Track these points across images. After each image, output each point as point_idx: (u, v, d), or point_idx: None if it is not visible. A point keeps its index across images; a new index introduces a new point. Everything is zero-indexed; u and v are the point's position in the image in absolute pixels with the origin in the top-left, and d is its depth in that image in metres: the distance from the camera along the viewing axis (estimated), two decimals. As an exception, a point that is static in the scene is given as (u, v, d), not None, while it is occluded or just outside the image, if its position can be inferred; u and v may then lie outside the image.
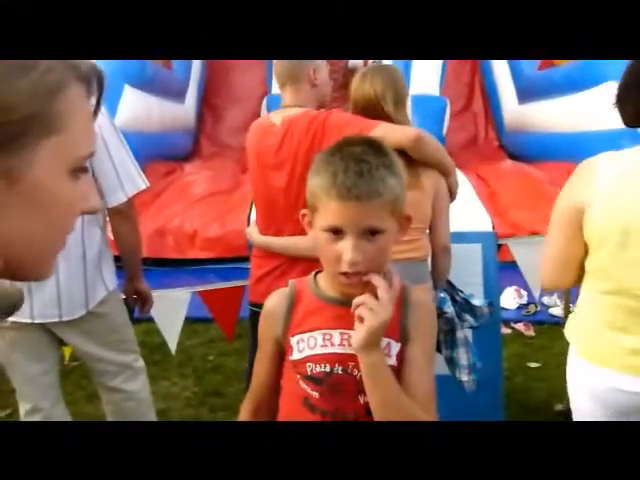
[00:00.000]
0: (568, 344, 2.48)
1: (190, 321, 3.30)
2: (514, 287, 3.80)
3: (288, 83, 1.85)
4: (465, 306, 1.97)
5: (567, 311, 2.67)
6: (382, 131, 1.73)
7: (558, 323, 3.28)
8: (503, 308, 3.70)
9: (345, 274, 0.94)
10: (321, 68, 1.86)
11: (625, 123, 1.35)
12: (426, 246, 1.88)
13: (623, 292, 1.30)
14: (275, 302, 1.09)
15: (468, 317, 1.94)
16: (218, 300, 2.41)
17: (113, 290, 1.89)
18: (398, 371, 1.00)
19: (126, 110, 5.38)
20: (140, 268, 2.00)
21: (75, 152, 0.53)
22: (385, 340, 0.99)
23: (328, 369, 1.01)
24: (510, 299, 3.82)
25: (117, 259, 1.96)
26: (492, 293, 2.53)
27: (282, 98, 1.89)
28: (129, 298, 1.97)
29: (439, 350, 1.89)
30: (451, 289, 1.98)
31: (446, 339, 1.91)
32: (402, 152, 1.73)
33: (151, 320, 2.48)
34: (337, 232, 0.94)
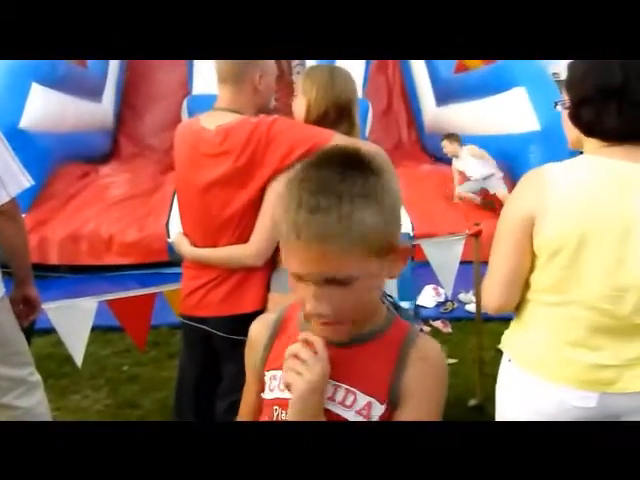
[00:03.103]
0: (481, 339, 2.51)
1: (103, 330, 3.17)
2: (432, 285, 3.89)
3: (228, 82, 1.68)
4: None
5: (479, 306, 2.77)
6: (339, 143, 1.61)
7: (473, 319, 3.39)
8: (422, 306, 3.79)
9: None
10: (267, 73, 1.71)
11: (583, 132, 1.31)
12: None
13: (578, 304, 1.26)
14: (257, 329, 0.94)
15: None
16: (128, 309, 2.31)
17: (1, 298, 1.77)
18: None
19: (35, 109, 5.10)
20: (29, 273, 1.89)
21: None
22: (366, 398, 0.82)
23: None
24: (429, 297, 3.91)
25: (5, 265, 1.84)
26: (407, 294, 2.58)
27: (218, 97, 1.72)
28: (15, 306, 1.85)
29: None
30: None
31: None
32: None
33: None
34: (300, 278, 0.79)
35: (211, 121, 1.70)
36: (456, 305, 3.89)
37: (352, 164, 0.77)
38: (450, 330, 3.66)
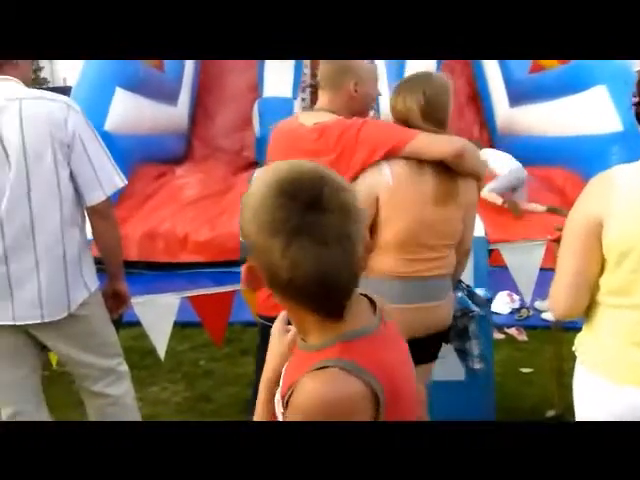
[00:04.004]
0: (559, 348, 2.45)
1: (181, 325, 3.28)
2: (506, 292, 3.79)
3: (326, 88, 1.82)
4: (469, 296, 2.03)
5: (559, 316, 2.67)
6: (422, 142, 1.68)
7: (550, 327, 3.27)
8: (495, 313, 3.70)
9: None
10: (364, 80, 1.80)
11: None
12: (453, 261, 1.83)
13: None
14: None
15: (473, 306, 2.01)
16: (208, 305, 2.39)
17: (95, 291, 1.87)
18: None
19: (117, 112, 5.35)
20: (120, 268, 1.98)
21: None
22: (279, 395, 0.91)
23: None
24: (502, 304, 3.81)
25: (99, 261, 1.94)
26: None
27: (318, 100, 1.88)
28: (106, 299, 1.94)
29: (447, 342, 1.92)
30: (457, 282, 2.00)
31: (460, 332, 1.97)
32: (440, 163, 1.70)
33: (140, 324, 2.45)
34: None
35: (309, 119, 1.80)
36: (532, 312, 3.77)
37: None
38: (525, 338, 3.55)
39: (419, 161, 1.70)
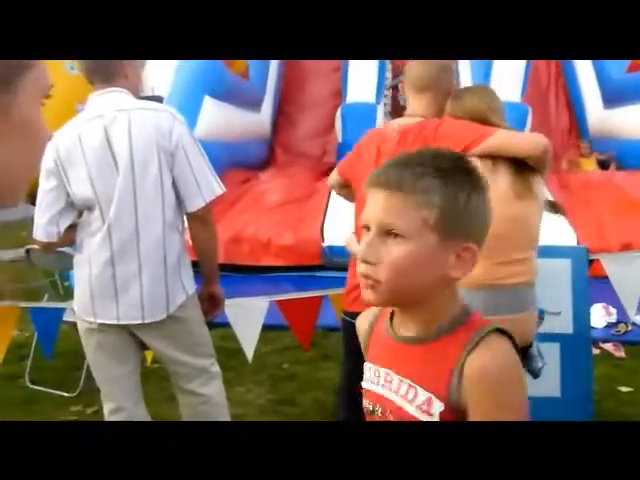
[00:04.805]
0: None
1: (264, 328, 3.34)
2: (602, 304, 3.57)
3: (428, 90, 1.79)
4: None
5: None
6: (503, 138, 1.67)
7: (653, 344, 3.05)
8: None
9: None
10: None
11: None
12: (535, 268, 1.75)
13: None
14: (361, 322, 1.04)
15: (544, 307, 1.97)
16: (295, 309, 2.41)
17: (192, 294, 1.93)
18: None
19: (206, 120, 5.55)
20: (216, 272, 2.04)
21: (46, 81, 0.65)
22: (426, 394, 0.85)
23: (371, 407, 0.94)
24: (597, 317, 3.58)
25: (194, 265, 2.00)
26: (582, 311, 2.39)
27: (410, 105, 1.85)
28: (201, 302, 2.00)
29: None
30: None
31: None
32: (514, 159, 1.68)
33: (227, 325, 2.52)
34: (367, 229, 0.87)
35: (397, 124, 1.83)
36: (630, 327, 3.53)
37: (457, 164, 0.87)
38: (623, 355, 3.33)
39: (492, 159, 1.67)
